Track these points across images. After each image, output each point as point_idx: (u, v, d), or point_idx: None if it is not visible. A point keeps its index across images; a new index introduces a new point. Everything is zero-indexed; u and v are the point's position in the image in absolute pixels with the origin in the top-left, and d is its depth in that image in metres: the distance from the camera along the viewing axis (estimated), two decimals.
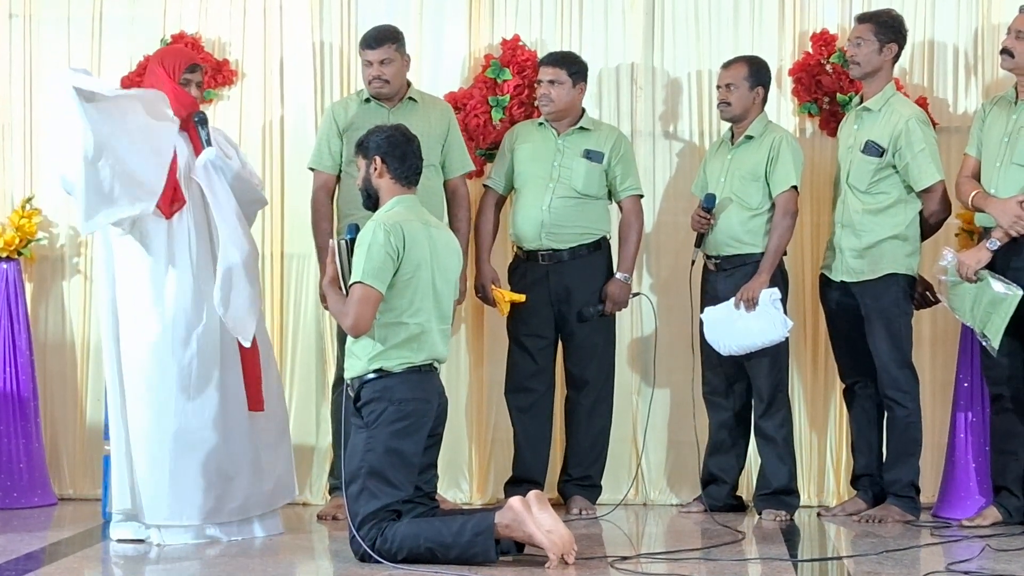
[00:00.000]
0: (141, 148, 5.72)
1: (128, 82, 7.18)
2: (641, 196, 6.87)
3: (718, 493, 6.76)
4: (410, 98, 6.72)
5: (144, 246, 5.81)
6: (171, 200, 5.81)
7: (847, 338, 6.62)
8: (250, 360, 5.94)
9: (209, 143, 5.92)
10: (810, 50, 7.07)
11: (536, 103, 6.94)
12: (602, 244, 6.83)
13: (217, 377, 5.83)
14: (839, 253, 6.53)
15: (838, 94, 7.00)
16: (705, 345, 6.68)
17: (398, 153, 5.54)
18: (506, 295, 6.71)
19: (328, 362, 7.09)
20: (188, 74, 5.99)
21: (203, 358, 5.80)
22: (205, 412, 5.80)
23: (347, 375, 5.51)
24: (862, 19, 6.58)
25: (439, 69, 7.23)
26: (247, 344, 5.85)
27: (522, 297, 6.70)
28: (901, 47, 6.57)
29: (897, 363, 6.46)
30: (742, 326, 6.50)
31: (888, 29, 6.52)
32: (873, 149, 6.45)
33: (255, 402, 5.94)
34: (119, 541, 5.84)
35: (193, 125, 5.95)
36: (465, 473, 7.19)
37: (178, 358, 5.77)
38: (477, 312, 7.14)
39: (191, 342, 5.79)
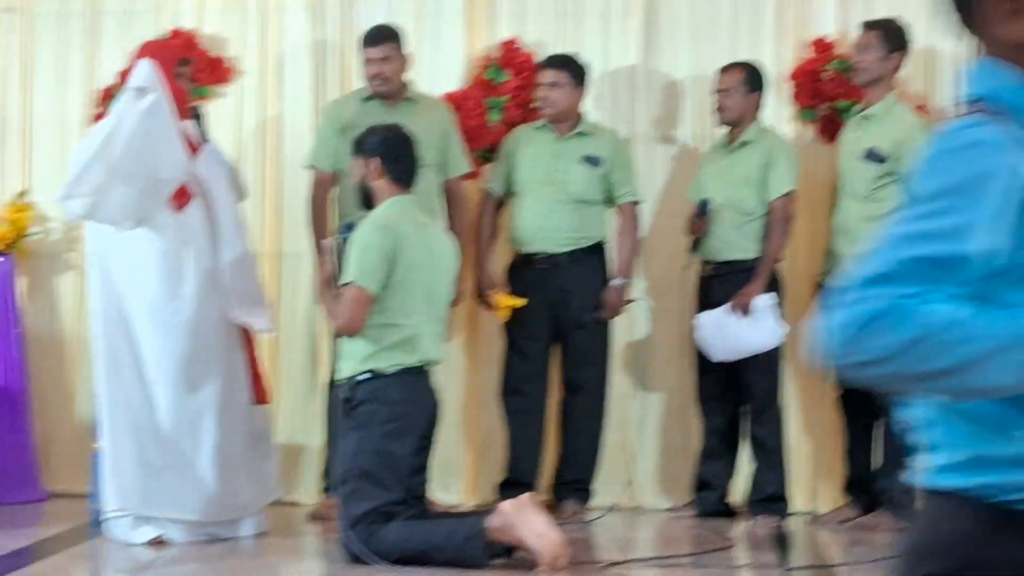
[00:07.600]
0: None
1: (124, 77, 7.16)
2: (638, 203, 6.86)
3: (710, 499, 6.75)
4: (409, 98, 6.71)
5: (156, 239, 5.78)
6: (182, 193, 5.80)
7: None
8: (252, 353, 6.02)
9: (206, 139, 5.89)
10: (811, 55, 7.07)
11: (535, 106, 6.93)
12: (600, 248, 6.82)
13: (218, 371, 5.80)
14: (837, 260, 6.52)
15: (837, 101, 6.99)
16: (699, 350, 6.67)
17: (394, 154, 5.52)
18: (506, 300, 6.70)
19: (321, 362, 7.06)
20: (181, 67, 6.02)
21: (207, 350, 5.78)
22: (207, 405, 5.76)
23: (340, 376, 5.49)
24: (869, 26, 6.56)
25: (437, 70, 7.19)
26: (265, 328, 6.00)
27: (523, 301, 6.68)
28: (905, 56, 6.56)
29: None
30: (736, 332, 6.48)
31: (895, 38, 6.51)
32: (874, 156, 6.45)
33: (262, 394, 6.04)
34: (115, 538, 5.80)
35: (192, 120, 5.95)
36: (457, 475, 7.17)
37: (186, 349, 5.74)
38: (471, 314, 7.12)
39: (198, 334, 5.76)
